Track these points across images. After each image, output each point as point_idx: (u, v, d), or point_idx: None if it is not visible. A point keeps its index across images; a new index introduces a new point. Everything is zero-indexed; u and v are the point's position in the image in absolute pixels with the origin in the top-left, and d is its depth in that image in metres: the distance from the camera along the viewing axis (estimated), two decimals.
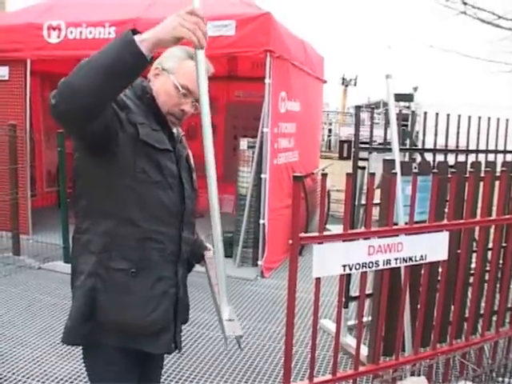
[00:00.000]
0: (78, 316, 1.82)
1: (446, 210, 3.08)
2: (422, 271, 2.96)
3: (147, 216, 1.83)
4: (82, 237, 1.86)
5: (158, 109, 1.91)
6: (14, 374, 3.49)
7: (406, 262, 2.64)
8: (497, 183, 3.17)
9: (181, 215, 1.95)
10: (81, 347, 1.94)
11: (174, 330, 2.01)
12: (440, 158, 4.06)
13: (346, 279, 3.02)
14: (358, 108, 4.26)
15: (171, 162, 1.92)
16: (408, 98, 22.06)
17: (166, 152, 1.89)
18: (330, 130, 23.13)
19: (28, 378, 3.45)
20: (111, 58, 1.52)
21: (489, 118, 4.43)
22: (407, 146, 4.23)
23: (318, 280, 2.44)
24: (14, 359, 3.69)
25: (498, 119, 4.48)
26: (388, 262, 2.57)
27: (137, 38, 1.52)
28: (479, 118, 4.37)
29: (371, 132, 3.97)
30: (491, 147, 4.49)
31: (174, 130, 2.00)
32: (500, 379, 3.32)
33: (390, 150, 3.48)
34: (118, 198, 1.80)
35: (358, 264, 2.47)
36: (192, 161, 2.12)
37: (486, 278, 3.45)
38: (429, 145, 4.24)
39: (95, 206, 1.84)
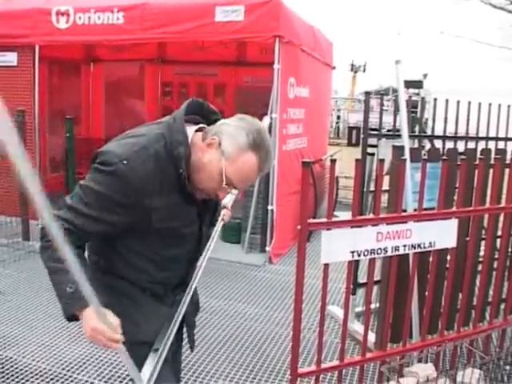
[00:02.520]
0: None
1: (455, 197, 3.06)
2: (431, 258, 2.96)
3: (160, 269, 1.82)
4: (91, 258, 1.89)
5: (187, 190, 1.70)
6: (24, 357, 3.52)
7: (415, 248, 2.64)
8: (507, 170, 3.15)
9: (195, 256, 1.95)
10: None
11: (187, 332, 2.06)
12: (450, 144, 4.04)
13: (354, 265, 3.02)
14: (367, 94, 4.24)
15: (192, 224, 1.82)
16: (418, 84, 21.91)
17: (186, 223, 1.80)
18: (338, 117, 23.01)
19: (38, 361, 3.48)
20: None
21: (499, 105, 4.39)
22: (416, 133, 4.20)
23: (326, 266, 2.44)
24: (23, 343, 3.73)
25: (509, 106, 4.44)
26: (396, 248, 2.57)
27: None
28: (489, 104, 4.33)
29: (380, 118, 3.95)
30: (501, 134, 4.46)
31: None
32: (507, 367, 3.31)
33: (399, 136, 3.46)
34: (129, 259, 1.80)
35: (367, 250, 2.47)
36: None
37: (495, 265, 3.44)
38: (438, 132, 4.21)
39: (107, 261, 1.85)
